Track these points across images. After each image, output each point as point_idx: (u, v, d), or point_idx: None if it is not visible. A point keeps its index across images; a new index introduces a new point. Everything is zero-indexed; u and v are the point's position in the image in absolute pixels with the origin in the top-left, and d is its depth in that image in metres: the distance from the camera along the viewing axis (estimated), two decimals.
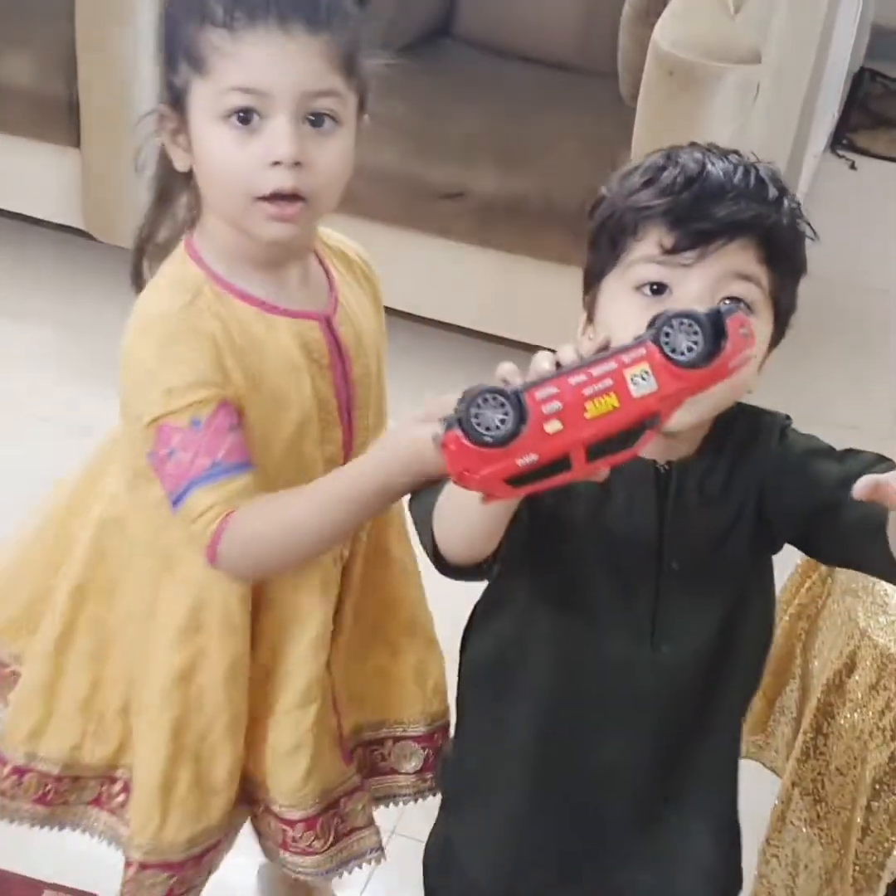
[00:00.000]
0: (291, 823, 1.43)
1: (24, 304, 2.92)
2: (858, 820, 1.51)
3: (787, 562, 1.58)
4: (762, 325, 1.16)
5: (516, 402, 0.94)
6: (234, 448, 1.25)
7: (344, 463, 1.33)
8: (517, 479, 0.96)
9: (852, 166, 3.89)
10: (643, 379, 0.96)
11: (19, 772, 1.46)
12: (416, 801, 1.57)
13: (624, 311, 1.15)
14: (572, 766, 1.29)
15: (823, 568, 1.60)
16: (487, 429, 0.94)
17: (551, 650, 1.26)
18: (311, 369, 1.30)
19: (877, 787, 1.49)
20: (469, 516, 1.07)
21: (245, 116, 1.20)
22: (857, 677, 1.51)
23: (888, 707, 1.48)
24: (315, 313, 1.32)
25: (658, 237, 1.13)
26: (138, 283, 1.34)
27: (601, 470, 0.98)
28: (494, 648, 1.31)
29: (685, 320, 0.96)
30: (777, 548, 1.25)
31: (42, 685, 1.44)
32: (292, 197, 1.21)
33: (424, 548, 1.16)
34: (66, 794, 1.46)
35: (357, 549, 1.42)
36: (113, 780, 1.46)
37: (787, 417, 1.24)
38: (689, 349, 0.96)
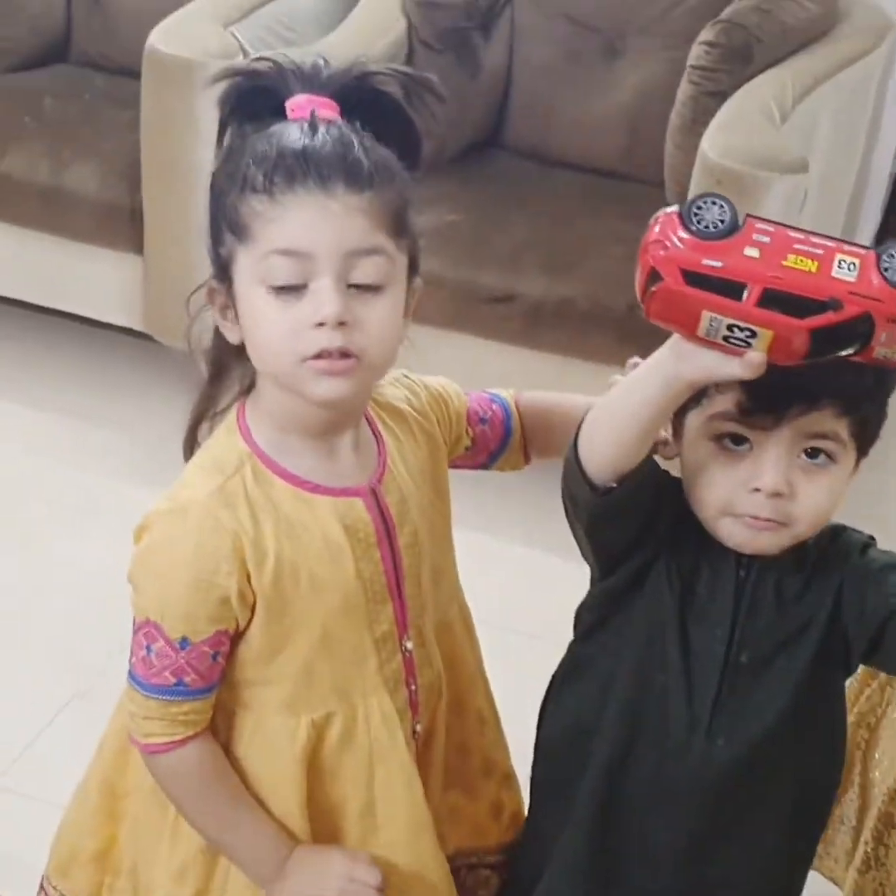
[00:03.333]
0: None
1: (86, 404, 2.99)
2: None
3: None
4: (842, 470, 1.20)
5: (736, 216, 1.02)
6: (206, 674, 1.26)
7: (399, 639, 1.32)
8: (693, 276, 1.01)
9: None
10: (849, 268, 1.00)
11: None
12: None
13: (704, 460, 1.21)
14: (625, 843, 1.32)
15: (883, 676, 1.60)
16: (700, 220, 1.01)
17: (623, 721, 1.29)
18: (355, 550, 1.27)
19: None
20: (629, 405, 1.14)
21: (289, 286, 1.17)
22: None
23: None
24: (360, 488, 1.28)
25: (736, 396, 1.17)
26: (190, 451, 1.32)
27: (756, 356, 1.02)
28: (573, 715, 1.35)
29: None
30: (852, 667, 1.28)
31: (70, 824, 1.46)
32: (342, 354, 1.18)
33: (566, 463, 1.21)
34: None
35: (436, 718, 1.40)
36: None
37: (871, 537, 1.28)
38: None
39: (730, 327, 1.02)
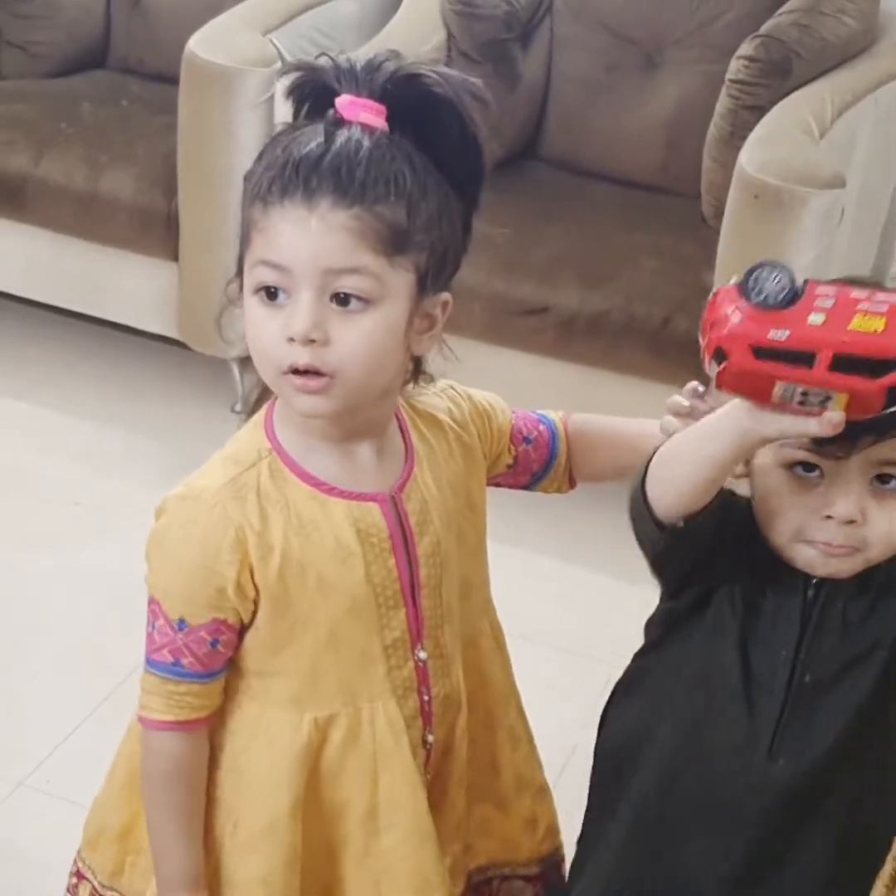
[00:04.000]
0: None
1: (120, 410, 3.01)
2: None
3: None
4: None
5: (795, 283, 0.99)
6: (204, 660, 1.28)
7: (412, 648, 1.32)
8: (762, 351, 1.00)
9: None
10: None
11: (79, 876, 1.50)
12: None
13: (776, 487, 1.21)
14: (658, 872, 1.31)
15: None
16: (759, 292, 0.99)
17: (676, 737, 1.29)
18: (366, 554, 1.27)
19: None
20: (701, 453, 1.14)
21: (271, 292, 1.17)
22: None
23: None
24: (376, 494, 1.28)
25: None
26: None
27: (835, 416, 1.02)
28: (628, 726, 1.36)
29: None
30: None
31: (101, 801, 1.48)
32: (314, 372, 1.17)
33: (632, 500, 1.22)
34: None
35: (454, 733, 1.39)
36: None
37: None
38: None
39: (803, 393, 1.02)
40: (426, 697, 1.35)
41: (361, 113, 1.18)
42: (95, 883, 1.48)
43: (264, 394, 1.30)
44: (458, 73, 1.22)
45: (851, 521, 1.19)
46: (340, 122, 1.18)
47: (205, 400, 3.00)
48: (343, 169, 1.15)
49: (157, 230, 2.85)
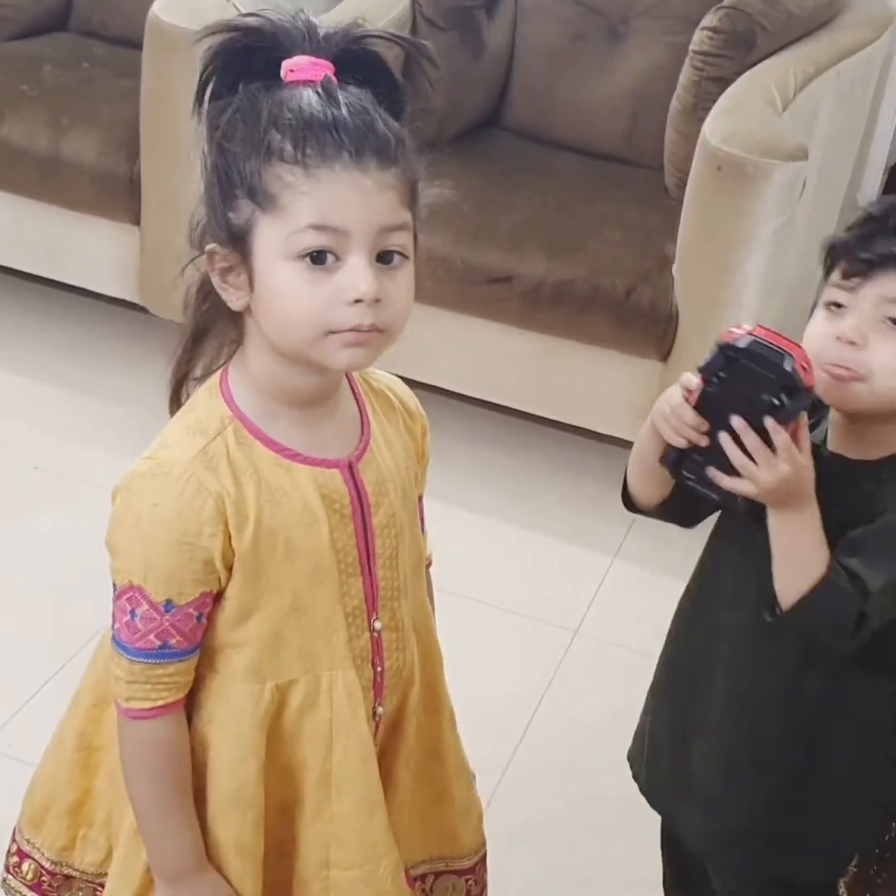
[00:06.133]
0: None
1: (80, 375, 3.00)
2: None
3: None
4: None
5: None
6: (190, 635, 1.26)
7: (368, 617, 1.33)
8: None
9: None
10: None
11: (21, 855, 1.48)
12: None
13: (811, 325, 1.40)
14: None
15: None
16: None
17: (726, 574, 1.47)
18: (330, 519, 1.28)
19: None
20: (642, 450, 1.39)
21: (319, 256, 1.16)
22: None
23: None
24: (338, 461, 1.29)
25: (841, 266, 1.37)
26: (176, 410, 1.31)
27: None
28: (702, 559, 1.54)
29: None
30: None
31: (44, 777, 1.47)
32: (371, 329, 1.18)
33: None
34: (60, 889, 1.47)
35: (405, 708, 1.40)
36: (103, 887, 1.45)
37: None
38: None
39: None
40: (379, 668, 1.35)
41: (324, 72, 1.18)
42: (42, 860, 1.46)
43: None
44: (405, 33, 1.24)
45: (852, 343, 1.33)
46: (313, 81, 1.17)
47: (165, 365, 2.97)
48: (376, 129, 1.16)
49: (119, 194, 2.84)
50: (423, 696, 1.43)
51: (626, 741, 1.65)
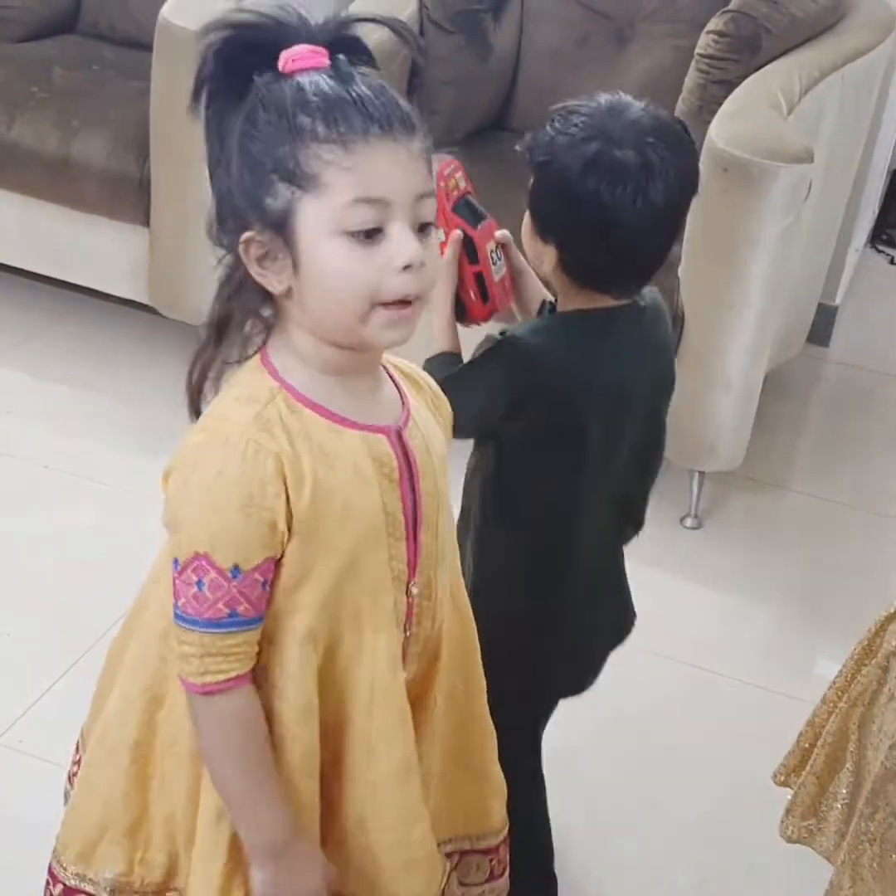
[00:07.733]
0: None
1: (89, 375, 3.02)
2: None
3: (843, 650, 1.64)
4: None
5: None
6: (257, 602, 1.26)
7: (407, 583, 1.34)
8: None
9: (892, 261, 3.94)
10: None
11: (69, 892, 1.43)
12: None
13: None
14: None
15: (880, 655, 1.61)
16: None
17: None
18: (380, 483, 1.29)
19: None
20: None
21: (370, 231, 1.19)
22: None
23: None
24: (385, 427, 1.31)
25: None
26: (197, 414, 1.30)
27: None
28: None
29: None
30: None
31: (93, 804, 1.43)
32: (407, 301, 1.22)
33: None
34: None
35: (431, 681, 1.41)
36: None
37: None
38: None
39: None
40: (408, 634, 1.36)
41: (323, 59, 1.21)
42: (99, 893, 1.42)
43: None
44: (396, 19, 1.30)
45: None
46: (311, 70, 1.19)
47: (174, 365, 2.99)
48: (398, 103, 1.21)
49: (129, 195, 2.86)
50: (461, 670, 1.44)
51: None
